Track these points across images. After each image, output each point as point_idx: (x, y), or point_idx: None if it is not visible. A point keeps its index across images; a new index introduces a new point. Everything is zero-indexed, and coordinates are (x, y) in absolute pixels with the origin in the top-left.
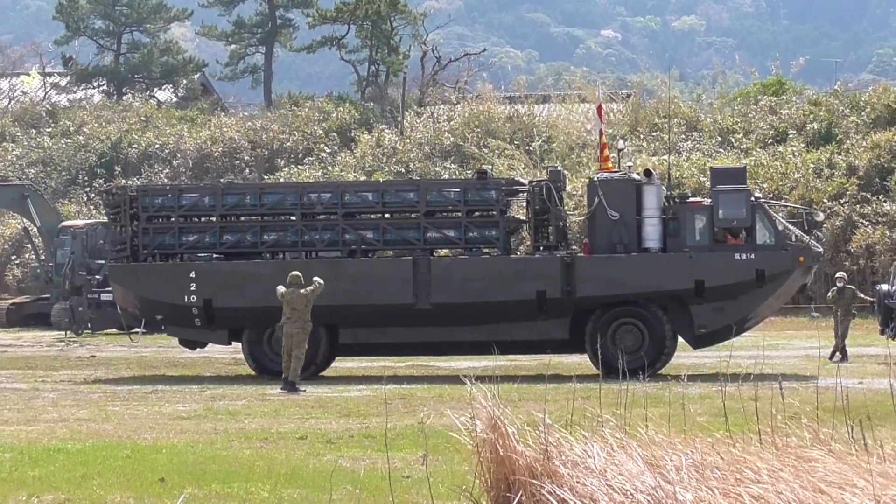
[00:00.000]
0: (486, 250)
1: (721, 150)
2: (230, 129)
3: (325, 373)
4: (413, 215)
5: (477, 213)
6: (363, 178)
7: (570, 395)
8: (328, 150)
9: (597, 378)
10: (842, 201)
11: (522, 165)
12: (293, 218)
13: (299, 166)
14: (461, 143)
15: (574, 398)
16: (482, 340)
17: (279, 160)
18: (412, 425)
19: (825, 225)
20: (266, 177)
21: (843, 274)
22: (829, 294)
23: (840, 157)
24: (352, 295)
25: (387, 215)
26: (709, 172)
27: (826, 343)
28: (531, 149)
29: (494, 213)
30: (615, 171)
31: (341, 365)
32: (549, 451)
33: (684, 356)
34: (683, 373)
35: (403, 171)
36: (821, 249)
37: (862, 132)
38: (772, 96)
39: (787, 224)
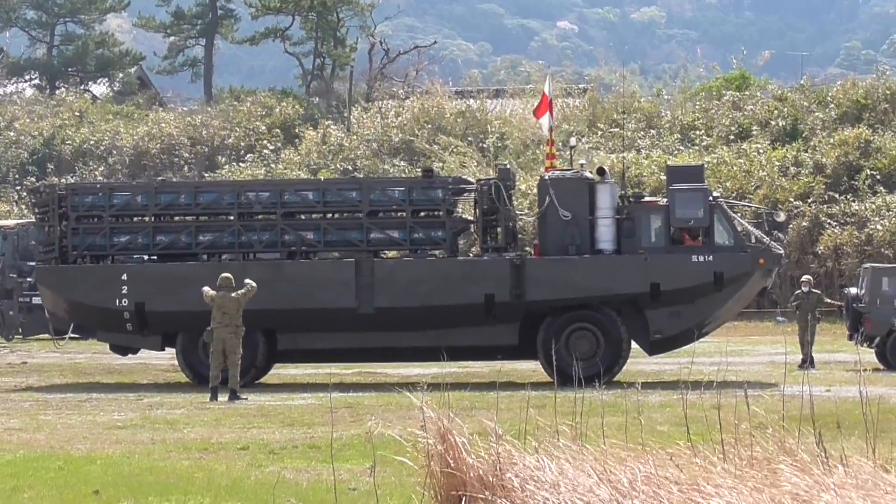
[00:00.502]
0: (433, 252)
1: (682, 147)
2: (168, 125)
3: (268, 380)
4: (356, 215)
5: (422, 214)
6: (308, 176)
7: (523, 404)
8: (271, 147)
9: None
10: (808, 201)
11: (475, 163)
12: (230, 218)
13: (241, 164)
14: (411, 140)
15: (527, 407)
16: (428, 346)
17: (220, 157)
18: (359, 435)
19: (790, 226)
20: (206, 175)
21: (809, 277)
22: (793, 299)
23: (806, 154)
24: (291, 298)
25: (328, 215)
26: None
27: (792, 349)
28: (484, 146)
29: (441, 213)
30: (567, 170)
31: (285, 372)
32: (500, 463)
33: (644, 363)
34: (638, 380)
35: (350, 168)
36: (782, 251)
37: (829, 129)
38: (735, 91)
39: (747, 225)
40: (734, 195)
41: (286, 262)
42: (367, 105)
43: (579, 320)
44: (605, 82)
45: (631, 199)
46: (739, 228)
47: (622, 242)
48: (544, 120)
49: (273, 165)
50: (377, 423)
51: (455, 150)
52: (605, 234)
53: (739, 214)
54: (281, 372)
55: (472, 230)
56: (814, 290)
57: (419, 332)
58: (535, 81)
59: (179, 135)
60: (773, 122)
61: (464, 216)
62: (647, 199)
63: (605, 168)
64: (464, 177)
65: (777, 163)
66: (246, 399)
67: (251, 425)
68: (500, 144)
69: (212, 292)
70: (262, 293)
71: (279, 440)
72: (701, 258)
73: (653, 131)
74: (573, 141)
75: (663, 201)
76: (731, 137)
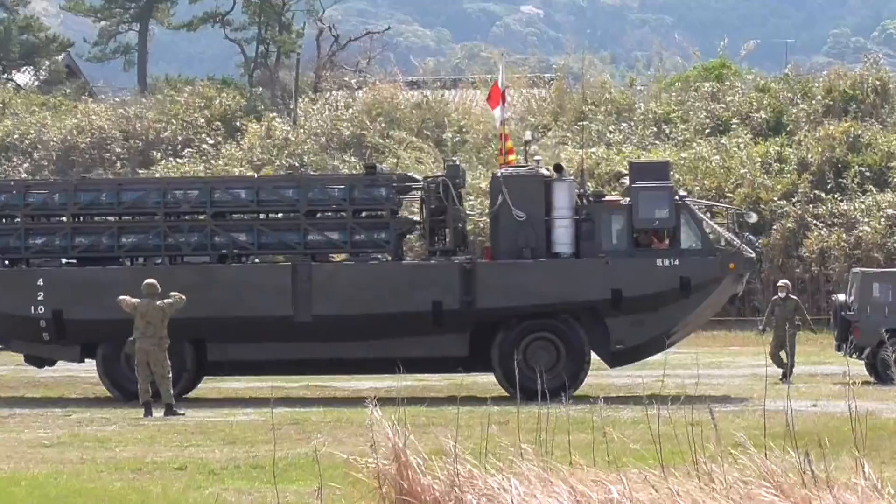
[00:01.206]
0: (376, 255)
1: (657, 141)
2: (99, 118)
3: (208, 395)
4: (292, 215)
5: (365, 213)
6: (251, 172)
7: (484, 420)
8: (211, 142)
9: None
10: (793, 200)
11: (432, 159)
12: (156, 218)
13: (178, 159)
14: (362, 135)
15: (488, 423)
16: (371, 358)
17: (155, 153)
18: (305, 454)
19: (774, 227)
20: (140, 171)
21: (787, 282)
22: (769, 306)
23: (791, 150)
24: (222, 306)
25: (262, 215)
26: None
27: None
28: (442, 140)
29: (384, 213)
30: (522, 166)
31: (226, 386)
32: (459, 484)
33: (614, 375)
34: (607, 394)
35: (297, 165)
36: (754, 255)
37: (814, 122)
38: (714, 81)
39: (717, 226)
40: (713, 194)
41: (216, 266)
42: (314, 96)
43: (539, 329)
44: (572, 71)
45: (591, 199)
46: (708, 230)
47: (581, 245)
48: (497, 111)
49: (213, 161)
50: (325, 442)
51: (410, 145)
52: (563, 235)
53: (708, 215)
54: (221, 385)
55: (418, 231)
56: (791, 296)
57: (361, 342)
58: (497, 70)
59: (111, 128)
60: (754, 115)
61: (409, 216)
62: (608, 198)
63: (563, 164)
64: (410, 174)
65: (759, 159)
66: (183, 414)
67: (189, 443)
68: (459, 139)
69: (133, 300)
70: (191, 300)
71: (219, 459)
72: (666, 262)
73: (624, 125)
74: (528, 135)
75: (625, 201)
76: (709, 131)
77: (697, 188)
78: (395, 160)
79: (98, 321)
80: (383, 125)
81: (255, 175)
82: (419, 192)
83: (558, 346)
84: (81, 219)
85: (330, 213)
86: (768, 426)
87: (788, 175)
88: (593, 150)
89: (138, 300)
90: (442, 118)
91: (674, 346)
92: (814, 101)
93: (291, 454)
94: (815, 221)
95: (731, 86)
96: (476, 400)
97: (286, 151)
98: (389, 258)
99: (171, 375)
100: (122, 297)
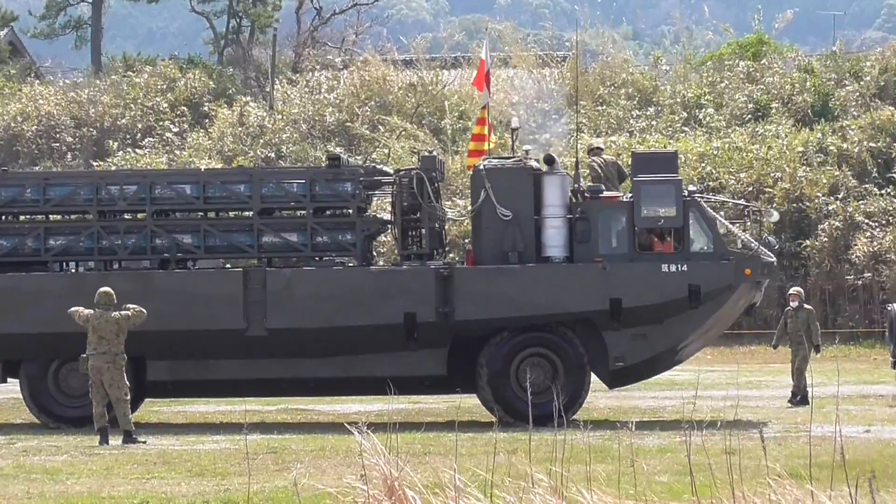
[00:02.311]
0: (340, 260)
1: (685, 129)
2: (47, 102)
3: (173, 419)
4: (244, 214)
5: (328, 212)
6: (221, 164)
7: (489, 448)
8: (175, 130)
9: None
10: (838, 196)
11: (429, 149)
12: (88, 217)
13: (137, 150)
14: (348, 121)
15: (494, 452)
16: (335, 377)
17: (111, 142)
18: (284, 487)
19: (822, 226)
20: (95, 163)
21: (799, 289)
22: (782, 317)
23: (835, 138)
24: (164, 318)
25: (210, 214)
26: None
27: (823, 379)
28: (441, 127)
29: (350, 211)
30: (508, 157)
31: (192, 409)
32: None
33: (637, 397)
34: (622, 418)
35: (273, 156)
36: (773, 259)
37: (864, 106)
38: (750, 60)
39: (732, 227)
40: (750, 189)
41: (157, 272)
42: (294, 77)
43: (534, 344)
44: (589, 48)
45: (586, 195)
46: (722, 231)
47: (575, 248)
48: (485, 93)
49: (178, 152)
50: (306, 473)
51: (404, 133)
52: (554, 237)
53: (723, 213)
54: (187, 409)
55: (391, 232)
56: (805, 306)
57: (323, 359)
58: (505, 46)
59: (61, 114)
60: (796, 99)
61: (379, 215)
62: (606, 194)
63: (554, 156)
64: (380, 166)
65: (801, 149)
66: (144, 442)
67: (151, 475)
68: (460, 126)
69: (85, 311)
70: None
71: (185, 493)
72: (673, 268)
73: (650, 109)
74: (515, 122)
75: (627, 197)
76: (747, 117)
77: (733, 182)
78: (385, 150)
79: (20, 335)
80: (373, 110)
81: (203, 168)
82: (392, 188)
83: (556, 363)
84: (3, 218)
85: (288, 212)
86: (815, 455)
87: (830, 167)
88: (613, 138)
89: (90, 311)
90: (441, 102)
91: (681, 362)
92: (864, 83)
93: (268, 487)
94: (866, 221)
95: (770, 65)
96: (478, 425)
97: (261, 140)
98: (356, 263)
99: (129, 397)
100: (74, 309)
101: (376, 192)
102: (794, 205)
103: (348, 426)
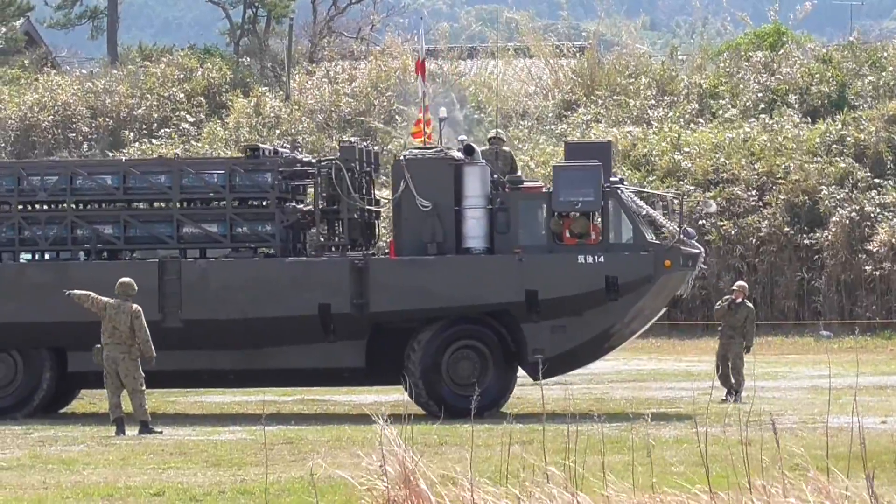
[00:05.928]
0: (260, 250)
1: (700, 119)
2: (64, 92)
3: (189, 410)
4: (164, 205)
5: (248, 203)
6: (237, 154)
7: (504, 439)
8: (191, 120)
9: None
10: (848, 188)
11: (446, 139)
12: (7, 207)
13: (153, 140)
14: (365, 111)
15: (509, 443)
16: (252, 369)
17: (127, 132)
18: (300, 478)
19: (834, 218)
20: (110, 153)
21: (743, 284)
22: (717, 306)
23: (851, 129)
24: (82, 309)
25: (131, 205)
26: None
27: (840, 370)
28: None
29: (269, 202)
30: (429, 147)
31: (208, 400)
32: None
33: (654, 388)
34: (637, 409)
35: (288, 147)
36: (700, 250)
37: (881, 98)
38: (768, 50)
39: (660, 217)
40: (763, 179)
41: (76, 263)
42: (310, 67)
43: (463, 336)
44: (605, 38)
45: (507, 185)
46: (641, 221)
47: (496, 239)
48: (420, 83)
49: (194, 142)
50: (322, 463)
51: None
52: (474, 228)
53: (664, 205)
54: (204, 400)
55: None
56: (747, 303)
57: (239, 351)
58: (521, 35)
59: (77, 104)
60: (813, 89)
61: (299, 206)
62: (526, 184)
63: (474, 145)
64: (302, 156)
65: (818, 140)
66: (160, 432)
67: (167, 465)
68: (476, 116)
69: (102, 299)
70: (47, 302)
71: (202, 484)
72: (590, 259)
73: (667, 98)
74: (443, 112)
75: (547, 188)
76: (763, 107)
77: (745, 173)
78: (400, 141)
79: None
80: (391, 101)
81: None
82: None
83: (485, 355)
84: None
85: (208, 203)
86: (831, 446)
87: (843, 159)
88: (629, 129)
89: (108, 300)
90: (460, 93)
91: (606, 354)
92: (883, 74)
93: (284, 477)
94: (882, 212)
95: (787, 55)
96: (494, 416)
97: (278, 131)
98: (277, 254)
99: (144, 388)
100: (84, 293)
101: (302, 182)
102: (806, 196)
103: (371, 415)
